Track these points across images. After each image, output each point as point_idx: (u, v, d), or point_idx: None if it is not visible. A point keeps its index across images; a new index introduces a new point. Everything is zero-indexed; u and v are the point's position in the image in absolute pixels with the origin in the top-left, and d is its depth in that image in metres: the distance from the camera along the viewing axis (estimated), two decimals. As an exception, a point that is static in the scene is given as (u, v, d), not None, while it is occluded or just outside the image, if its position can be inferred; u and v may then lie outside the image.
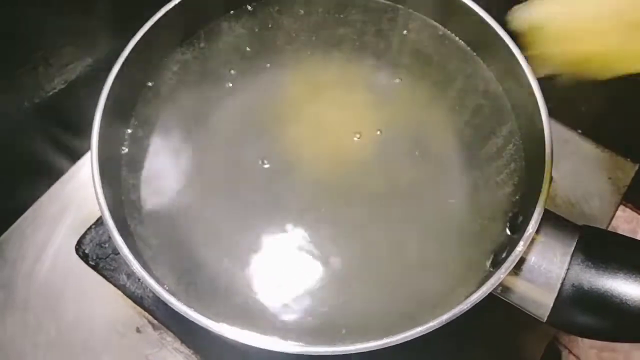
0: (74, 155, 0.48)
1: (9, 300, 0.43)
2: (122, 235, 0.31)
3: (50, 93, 0.45)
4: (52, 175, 0.47)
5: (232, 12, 0.42)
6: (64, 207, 0.46)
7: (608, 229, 0.47)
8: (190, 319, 0.29)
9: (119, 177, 0.35)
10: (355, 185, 0.36)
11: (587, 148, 0.50)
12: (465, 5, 0.38)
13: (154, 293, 0.30)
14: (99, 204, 0.31)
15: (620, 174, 0.49)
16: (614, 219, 0.48)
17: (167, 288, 0.30)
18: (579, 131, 0.50)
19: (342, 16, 0.42)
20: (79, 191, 0.47)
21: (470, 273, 0.33)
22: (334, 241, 0.34)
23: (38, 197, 0.46)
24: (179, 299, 0.29)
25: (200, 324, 0.29)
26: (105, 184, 0.32)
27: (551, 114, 0.33)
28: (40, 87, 0.44)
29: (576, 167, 0.49)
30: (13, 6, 0.39)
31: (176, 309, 0.29)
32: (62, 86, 0.45)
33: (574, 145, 0.50)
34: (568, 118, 0.49)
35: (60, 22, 0.43)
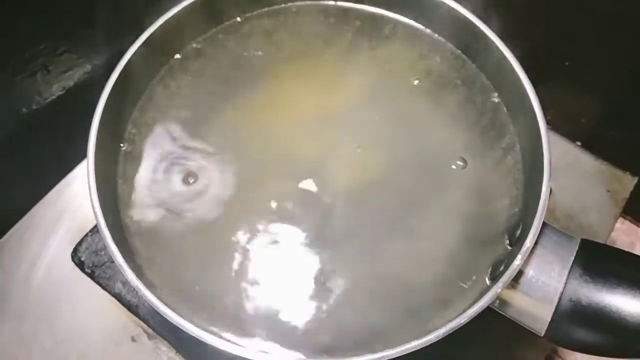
0: (71, 162, 0.48)
1: (3, 308, 0.42)
2: (117, 243, 0.30)
3: (49, 100, 0.45)
4: (48, 182, 0.47)
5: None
6: (60, 215, 0.46)
7: (607, 242, 0.47)
8: (184, 329, 0.28)
9: (114, 185, 0.35)
10: (351, 198, 0.35)
11: (585, 160, 0.50)
12: (452, 8, 0.38)
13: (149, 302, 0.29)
14: (94, 212, 0.31)
15: (619, 187, 0.49)
16: (612, 232, 0.48)
17: (161, 298, 0.30)
18: (578, 143, 0.50)
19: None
20: (76, 198, 0.47)
21: (469, 286, 0.32)
22: (331, 255, 0.34)
23: (34, 204, 0.46)
24: (173, 310, 0.29)
25: (193, 335, 0.28)
26: (101, 192, 0.32)
27: (550, 125, 0.33)
28: (39, 94, 0.44)
29: (575, 180, 0.49)
30: (13, 12, 0.39)
31: (170, 320, 0.29)
32: (61, 93, 0.45)
33: (572, 157, 0.50)
34: (567, 130, 0.49)
35: (60, 28, 0.43)
